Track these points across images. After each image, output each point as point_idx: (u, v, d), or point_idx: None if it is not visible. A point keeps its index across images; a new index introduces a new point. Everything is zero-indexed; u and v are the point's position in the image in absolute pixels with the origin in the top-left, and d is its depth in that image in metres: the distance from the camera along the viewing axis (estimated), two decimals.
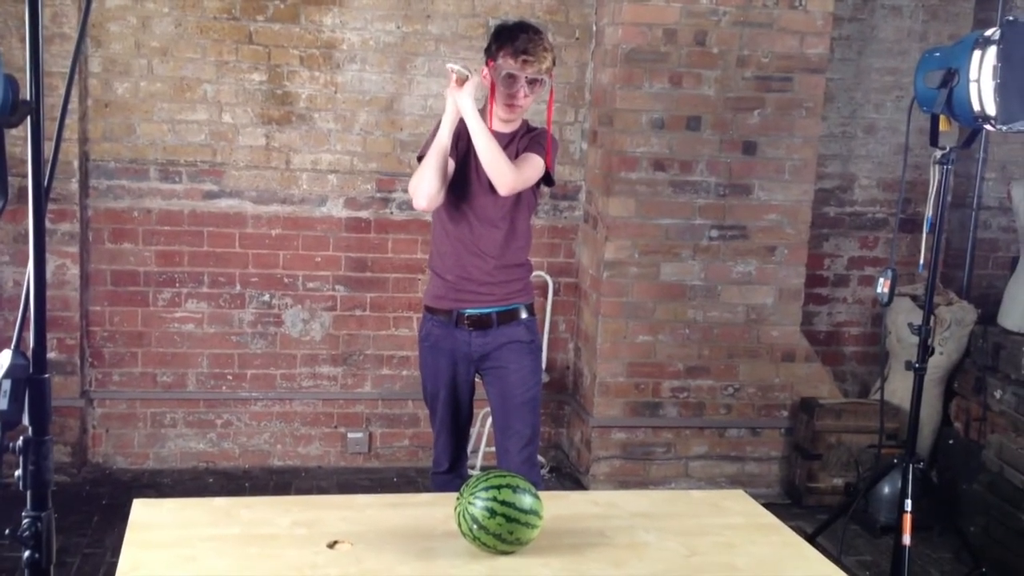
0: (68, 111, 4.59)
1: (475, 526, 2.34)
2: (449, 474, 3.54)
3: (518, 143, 3.37)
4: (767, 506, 2.92)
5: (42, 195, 1.37)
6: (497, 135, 3.29)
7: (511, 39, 3.27)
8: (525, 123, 3.44)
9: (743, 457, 4.97)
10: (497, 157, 3.21)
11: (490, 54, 3.32)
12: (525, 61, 3.24)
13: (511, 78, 3.25)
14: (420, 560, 2.34)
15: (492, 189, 3.29)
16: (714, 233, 4.78)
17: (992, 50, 3.12)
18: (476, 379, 3.53)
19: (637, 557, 2.43)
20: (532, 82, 3.28)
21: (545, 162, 3.34)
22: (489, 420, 4.72)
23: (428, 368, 3.48)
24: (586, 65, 5.06)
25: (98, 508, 4.45)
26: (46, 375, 1.46)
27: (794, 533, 2.69)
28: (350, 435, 5.09)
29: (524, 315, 3.46)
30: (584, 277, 5.10)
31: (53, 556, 1.49)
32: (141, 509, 2.54)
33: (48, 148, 1.52)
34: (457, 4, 4.92)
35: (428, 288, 3.53)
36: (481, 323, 3.39)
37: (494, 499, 2.34)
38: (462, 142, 3.31)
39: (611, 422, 4.85)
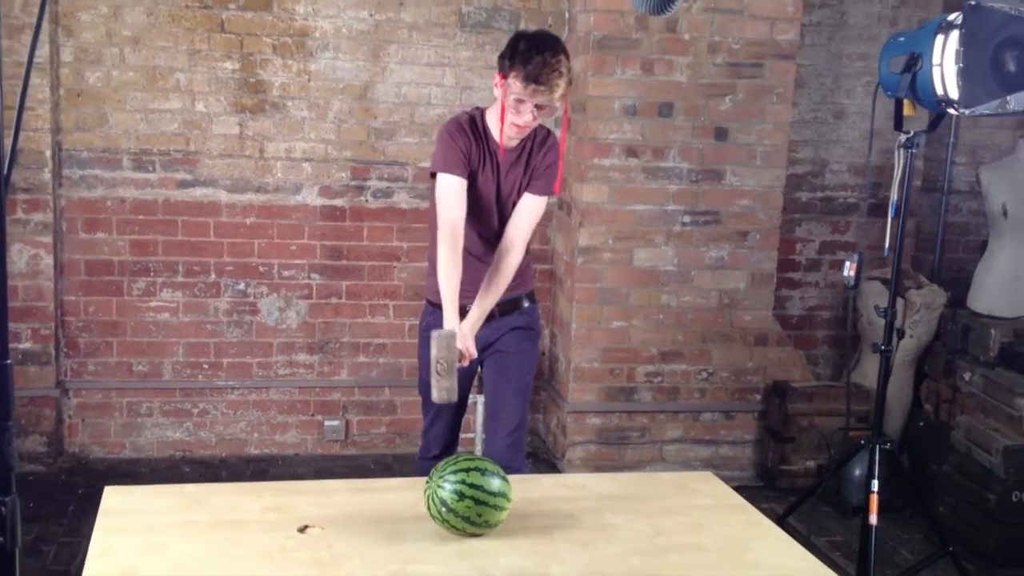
0: (41, 101, 4.60)
1: (444, 509, 2.36)
2: (440, 459, 3.51)
3: (528, 152, 3.26)
4: (741, 489, 2.95)
5: (2, 183, 1.38)
6: (506, 151, 3.21)
7: (525, 61, 3.00)
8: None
9: (717, 441, 5.02)
10: (502, 290, 3.21)
11: (503, 68, 3.08)
12: (535, 90, 3.02)
13: (520, 103, 3.07)
14: (390, 543, 2.36)
15: (494, 206, 3.26)
16: (687, 219, 4.81)
17: (954, 34, 3.15)
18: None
19: (605, 538, 2.46)
20: (542, 106, 3.09)
21: (553, 189, 3.29)
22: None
23: (426, 359, 3.32)
24: (569, 55, 5.06)
25: (74, 497, 4.46)
26: (7, 361, 1.47)
27: (760, 513, 2.72)
28: (327, 423, 5.11)
29: (526, 304, 3.44)
30: (559, 263, 5.13)
31: (19, 539, 1.50)
32: (112, 496, 2.55)
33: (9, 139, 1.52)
34: None
35: (428, 283, 3.45)
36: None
37: (463, 482, 2.36)
38: (473, 162, 3.21)
39: (586, 407, 4.88)
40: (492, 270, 3.22)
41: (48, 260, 4.70)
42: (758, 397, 5.02)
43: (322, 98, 4.92)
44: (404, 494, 2.64)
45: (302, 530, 2.40)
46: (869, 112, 5.26)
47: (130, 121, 4.80)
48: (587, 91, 4.69)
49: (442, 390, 2.81)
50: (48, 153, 4.65)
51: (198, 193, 4.89)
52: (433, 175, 3.22)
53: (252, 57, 4.84)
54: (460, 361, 3.01)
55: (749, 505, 2.76)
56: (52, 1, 4.61)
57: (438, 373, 2.78)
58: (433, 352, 2.80)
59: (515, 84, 3.03)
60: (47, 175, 4.66)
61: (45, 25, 4.55)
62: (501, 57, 3.10)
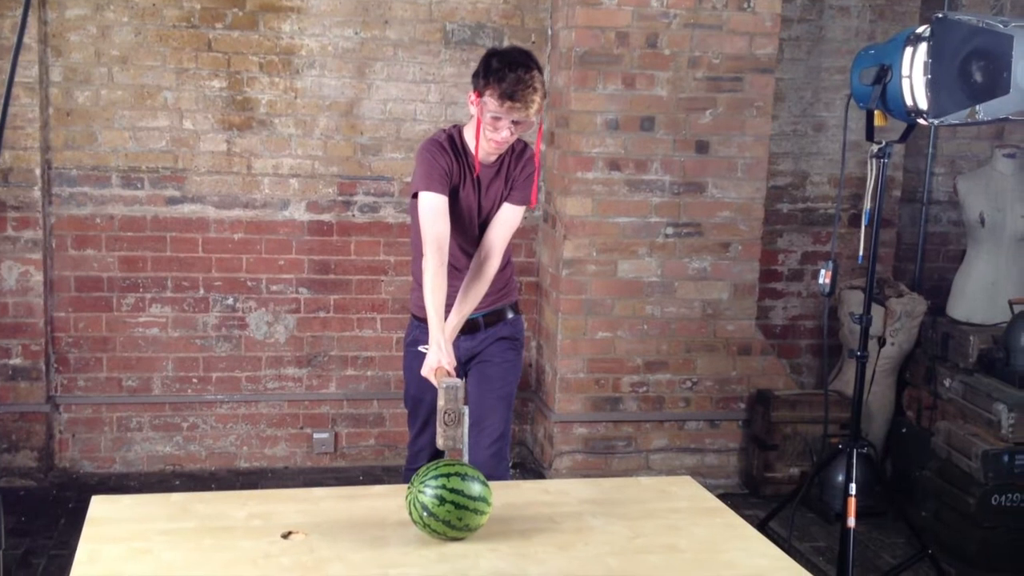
0: (31, 120, 4.66)
1: (425, 513, 2.42)
2: None
3: (507, 166, 3.28)
4: (726, 496, 2.99)
5: None
6: (485, 166, 3.23)
7: (499, 79, 3.02)
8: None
9: (702, 449, 5.07)
10: (480, 298, 3.25)
11: (477, 86, 3.09)
12: (511, 107, 3.03)
13: (496, 120, 3.08)
14: (372, 548, 2.41)
15: (476, 221, 3.29)
16: (669, 231, 4.88)
17: (923, 46, 3.23)
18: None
19: (583, 541, 2.51)
20: (519, 122, 3.10)
21: (530, 201, 3.30)
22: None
23: (413, 372, 3.38)
24: (543, 68, 5.13)
25: (65, 511, 4.50)
26: None
27: (737, 515, 2.77)
28: (316, 435, 5.15)
29: (510, 314, 3.47)
30: (544, 276, 5.19)
31: (2, 542, 1.55)
32: (99, 505, 2.60)
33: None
34: (414, 9, 5.00)
35: (413, 298, 3.49)
36: (469, 328, 3.37)
37: (443, 487, 2.41)
38: (454, 179, 3.23)
39: (572, 417, 4.94)
40: (470, 278, 3.27)
41: (38, 277, 4.75)
42: (742, 406, 5.08)
43: (309, 115, 4.99)
44: (388, 500, 2.69)
45: (286, 536, 2.45)
46: (848, 124, 5.40)
47: (119, 139, 4.86)
48: (570, 106, 4.76)
49: (448, 439, 2.85)
50: (38, 171, 4.70)
51: (186, 209, 4.94)
52: (414, 195, 3.23)
53: (239, 75, 4.91)
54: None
55: (726, 508, 2.81)
56: (41, 22, 4.68)
57: (445, 423, 2.82)
58: (440, 403, 2.83)
59: (491, 102, 3.05)
60: (37, 193, 4.71)
61: (35, 45, 4.62)
62: (475, 76, 3.12)
